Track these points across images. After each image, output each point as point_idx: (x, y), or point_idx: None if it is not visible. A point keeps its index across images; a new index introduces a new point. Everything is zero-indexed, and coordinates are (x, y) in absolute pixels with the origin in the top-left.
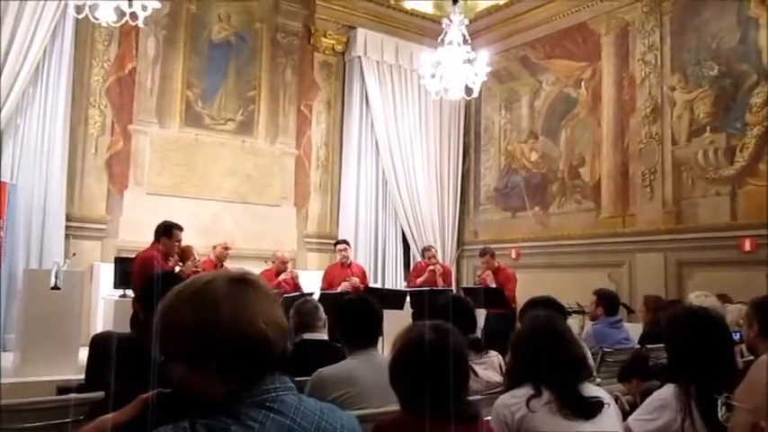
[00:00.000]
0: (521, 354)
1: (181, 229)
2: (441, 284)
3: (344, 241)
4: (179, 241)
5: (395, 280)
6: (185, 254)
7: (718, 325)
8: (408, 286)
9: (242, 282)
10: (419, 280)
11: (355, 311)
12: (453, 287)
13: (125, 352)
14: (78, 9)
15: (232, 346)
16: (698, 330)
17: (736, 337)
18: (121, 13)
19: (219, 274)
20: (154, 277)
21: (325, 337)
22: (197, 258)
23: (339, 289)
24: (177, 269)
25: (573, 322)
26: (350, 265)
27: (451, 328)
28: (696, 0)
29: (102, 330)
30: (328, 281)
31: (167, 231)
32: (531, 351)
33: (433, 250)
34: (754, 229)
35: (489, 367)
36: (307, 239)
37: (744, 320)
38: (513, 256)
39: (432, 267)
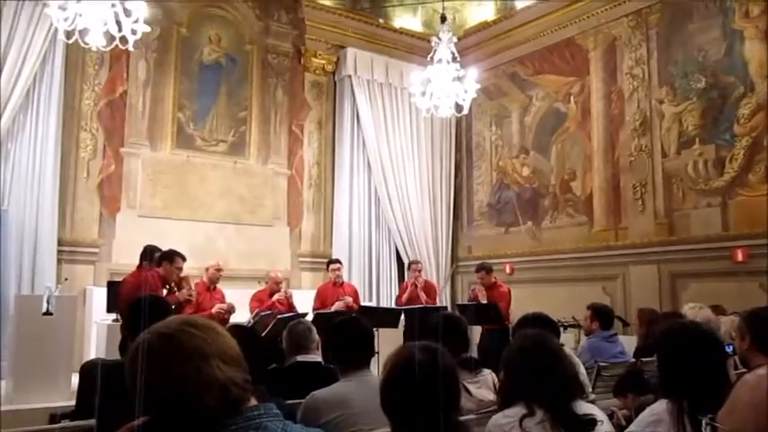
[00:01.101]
0: (512, 373)
1: (184, 259)
2: (423, 298)
3: (337, 260)
4: (179, 269)
5: (390, 298)
6: (181, 283)
7: (710, 340)
8: (397, 305)
9: (169, 342)
10: (404, 297)
11: (347, 333)
12: (438, 302)
13: (114, 379)
14: (68, 34)
15: (165, 406)
16: (689, 346)
17: (729, 349)
18: (111, 38)
19: (149, 333)
20: (138, 302)
21: (318, 358)
22: (192, 288)
23: (332, 308)
24: (165, 293)
25: (568, 337)
26: (342, 284)
27: (441, 349)
28: (681, 14)
29: (93, 358)
30: (321, 300)
31: (170, 257)
32: (522, 370)
33: (419, 265)
34: (746, 239)
35: (483, 386)
36: (300, 259)
37: (736, 333)
38: (508, 271)
39: (413, 280)
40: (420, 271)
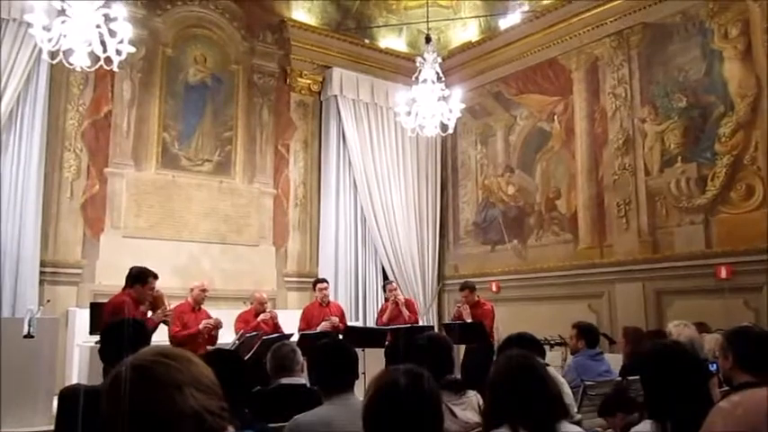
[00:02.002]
0: (497, 394)
1: (156, 276)
2: (406, 314)
3: (324, 280)
4: (152, 289)
5: (376, 319)
6: (156, 302)
7: (692, 361)
8: (377, 326)
9: (142, 374)
10: (385, 317)
11: (330, 356)
12: (421, 319)
13: (94, 405)
14: (52, 55)
15: None
16: (672, 369)
17: (713, 368)
18: (96, 58)
19: (123, 365)
20: (108, 329)
21: (302, 380)
22: (167, 307)
23: (318, 329)
24: (149, 314)
25: (555, 355)
26: (328, 303)
27: (425, 374)
28: (661, 35)
29: (73, 383)
30: (306, 321)
31: (141, 278)
32: (506, 391)
33: (392, 284)
34: (729, 256)
35: (468, 407)
36: (286, 278)
37: (719, 352)
38: (494, 289)
39: (393, 298)
40: (395, 289)
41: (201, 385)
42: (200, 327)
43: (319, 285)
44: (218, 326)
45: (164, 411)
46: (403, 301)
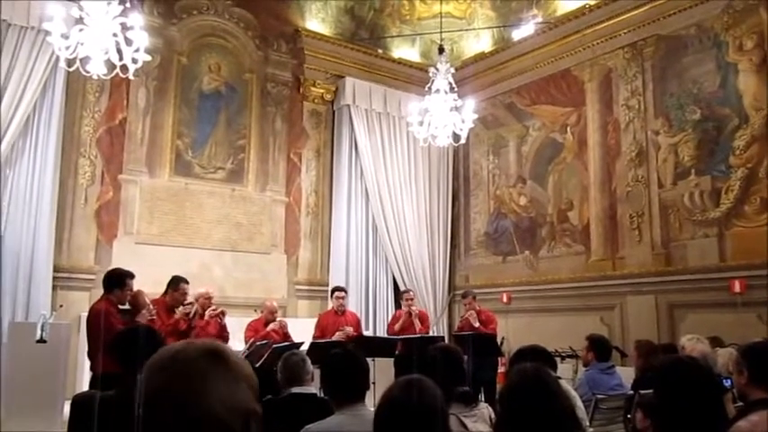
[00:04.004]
0: (508, 408)
1: (132, 276)
2: (418, 326)
3: (342, 288)
4: (131, 290)
5: (386, 327)
6: (137, 302)
7: (705, 378)
8: (388, 334)
9: (214, 356)
10: (396, 326)
11: (341, 366)
12: (432, 331)
13: (106, 413)
14: (69, 63)
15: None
16: (684, 386)
17: (728, 383)
18: (112, 66)
19: (190, 345)
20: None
21: (313, 390)
22: (150, 306)
23: (334, 338)
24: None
25: (566, 367)
26: (344, 312)
27: (427, 384)
28: (676, 47)
29: (87, 390)
30: (321, 329)
31: (119, 282)
32: (518, 405)
33: (410, 293)
34: (743, 270)
35: (479, 420)
36: (297, 287)
37: (733, 367)
38: (505, 300)
39: (407, 309)
40: (412, 299)
41: (254, 383)
42: (206, 316)
43: (337, 294)
44: (223, 312)
45: (209, 408)
46: (417, 312)
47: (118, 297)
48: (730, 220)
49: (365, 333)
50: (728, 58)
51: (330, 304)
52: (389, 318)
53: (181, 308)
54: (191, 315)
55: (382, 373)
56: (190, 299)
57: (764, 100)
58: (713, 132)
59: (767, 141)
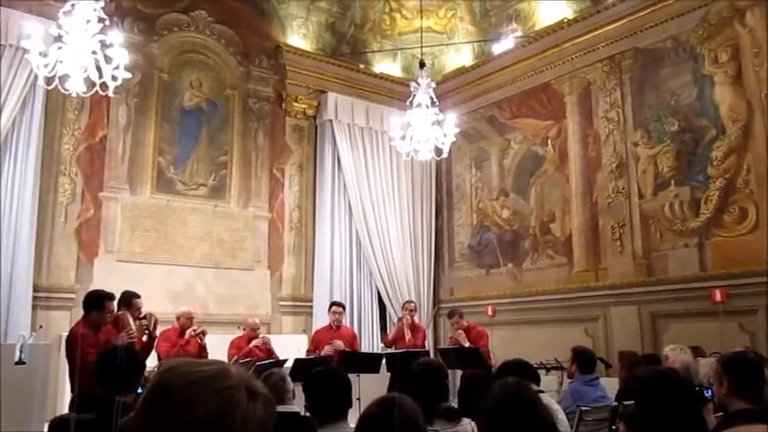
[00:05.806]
0: (490, 423)
1: (112, 298)
2: (408, 336)
3: (340, 304)
4: (111, 311)
5: (371, 342)
6: (118, 323)
7: (685, 390)
8: (383, 343)
9: (257, 400)
10: (390, 336)
11: (324, 383)
12: (425, 345)
13: None
14: (48, 81)
15: None
16: (664, 396)
17: (708, 394)
18: (92, 84)
19: (234, 373)
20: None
21: (295, 408)
22: (131, 327)
23: (322, 353)
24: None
25: (551, 379)
26: (338, 327)
27: (409, 403)
28: (653, 60)
29: (64, 413)
30: (315, 344)
31: (97, 303)
32: (499, 420)
33: (411, 304)
34: (724, 279)
35: None
36: (281, 303)
37: (714, 377)
38: (490, 313)
39: (402, 317)
40: (413, 310)
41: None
42: (186, 335)
43: (334, 308)
44: (204, 332)
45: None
46: (409, 322)
47: (95, 319)
48: (710, 229)
49: (347, 349)
50: (704, 70)
51: (314, 319)
52: (374, 332)
53: (137, 322)
54: (150, 328)
55: (366, 389)
56: (144, 312)
57: (740, 111)
58: (691, 143)
59: (744, 152)
